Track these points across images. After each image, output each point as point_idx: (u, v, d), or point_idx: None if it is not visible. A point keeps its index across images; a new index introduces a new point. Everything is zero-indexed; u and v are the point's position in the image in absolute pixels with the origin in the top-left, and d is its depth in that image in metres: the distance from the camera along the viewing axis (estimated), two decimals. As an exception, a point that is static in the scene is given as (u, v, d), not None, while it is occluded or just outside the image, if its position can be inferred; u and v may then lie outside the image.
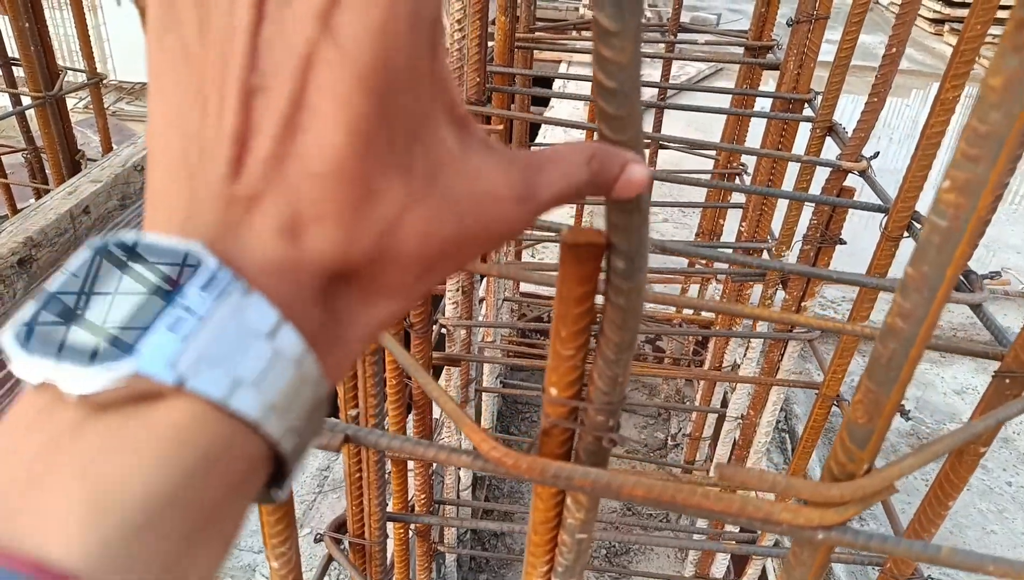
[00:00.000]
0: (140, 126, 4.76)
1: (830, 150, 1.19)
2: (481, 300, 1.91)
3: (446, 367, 1.39)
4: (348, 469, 0.71)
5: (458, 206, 0.21)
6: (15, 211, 2.59)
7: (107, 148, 2.40)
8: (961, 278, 0.76)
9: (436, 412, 1.68)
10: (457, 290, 1.27)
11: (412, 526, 1.21)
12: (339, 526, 0.86)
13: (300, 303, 0.19)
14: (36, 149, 2.38)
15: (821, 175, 1.20)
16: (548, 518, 0.50)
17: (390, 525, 0.97)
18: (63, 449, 0.16)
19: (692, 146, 1.98)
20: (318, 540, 0.84)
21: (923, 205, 0.60)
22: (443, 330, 1.34)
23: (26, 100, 2.12)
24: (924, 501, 0.73)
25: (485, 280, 1.87)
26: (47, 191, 2.29)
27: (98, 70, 2.28)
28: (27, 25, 2.02)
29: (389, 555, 1.13)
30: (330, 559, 0.83)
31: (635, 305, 0.42)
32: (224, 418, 0.17)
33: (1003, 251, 3.94)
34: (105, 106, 2.46)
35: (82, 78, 2.30)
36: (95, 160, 2.47)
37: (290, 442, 0.19)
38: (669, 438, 2.45)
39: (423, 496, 1.14)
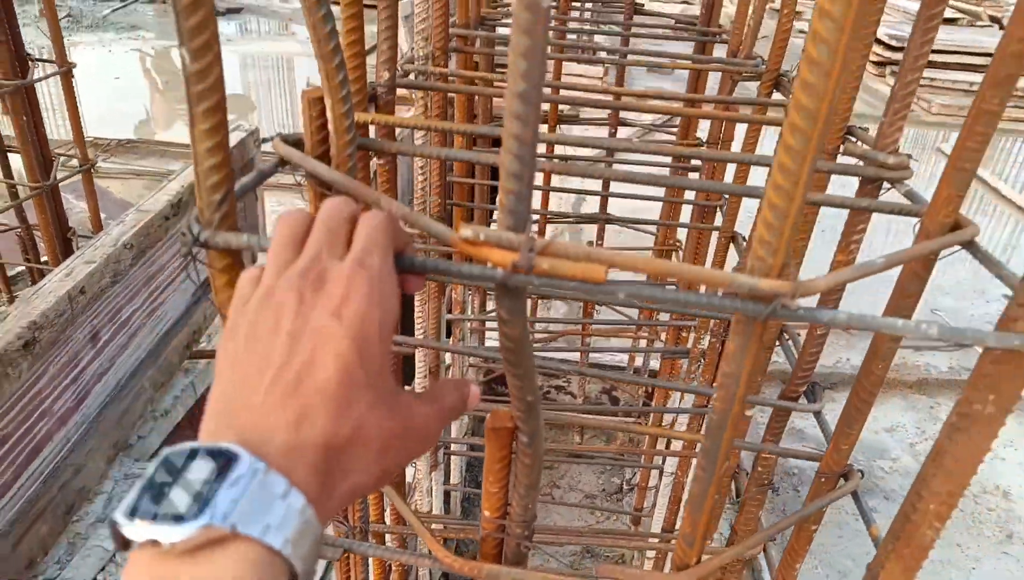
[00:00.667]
0: (114, 183, 4.90)
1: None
2: (448, 367, 2.11)
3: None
4: (339, 566, 0.90)
5: (400, 415, 0.41)
6: (7, 283, 2.75)
7: (97, 227, 2.57)
8: (805, 393, 0.99)
9: (409, 476, 1.88)
10: (424, 371, 1.48)
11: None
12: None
13: (303, 472, 0.34)
14: (28, 227, 2.55)
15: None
16: (488, 598, 0.71)
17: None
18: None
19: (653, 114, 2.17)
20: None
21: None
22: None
23: (23, 189, 2.29)
24: (780, 565, 0.94)
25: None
26: (39, 267, 2.45)
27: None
28: (25, 119, 2.20)
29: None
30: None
31: (536, 463, 0.64)
32: (263, 549, 0.31)
33: (934, 293, 4.26)
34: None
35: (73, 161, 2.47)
36: (85, 236, 2.64)
37: (301, 564, 0.32)
38: (624, 483, 2.67)
39: (400, 571, 1.33)
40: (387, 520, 1.16)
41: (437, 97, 1.20)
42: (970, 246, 0.65)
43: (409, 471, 1.81)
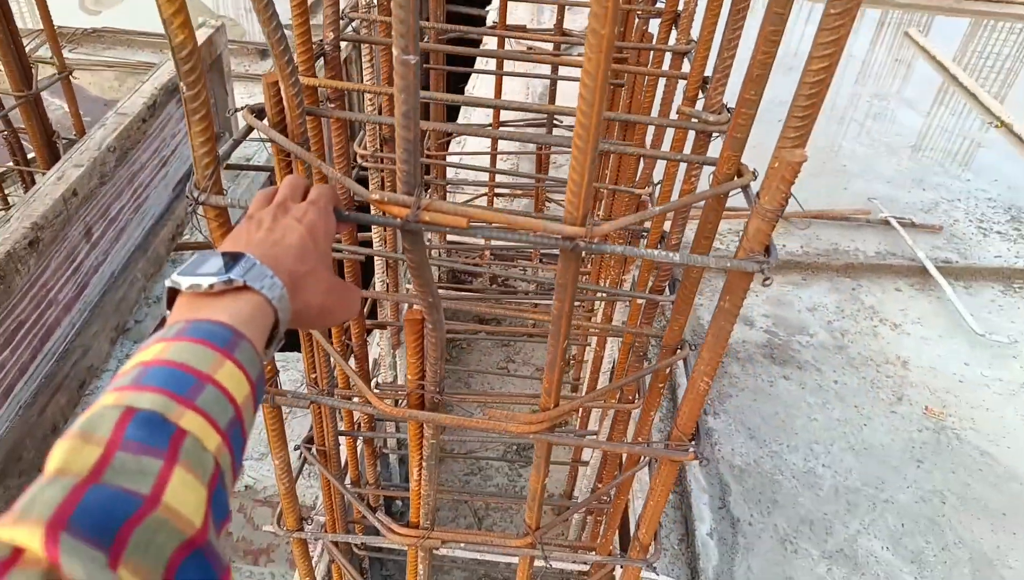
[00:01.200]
0: (84, 75, 4.92)
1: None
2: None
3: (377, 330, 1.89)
4: (313, 406, 1.21)
5: (335, 279, 0.71)
6: (-3, 182, 2.93)
7: (79, 128, 2.74)
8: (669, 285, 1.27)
9: (374, 353, 2.19)
10: (384, 270, 1.76)
11: (359, 438, 1.74)
12: (308, 439, 1.39)
13: (280, 276, 0.63)
14: (14, 130, 2.72)
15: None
16: (416, 434, 1.03)
17: (343, 438, 1.50)
18: (209, 304, 0.54)
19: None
20: (296, 449, 1.36)
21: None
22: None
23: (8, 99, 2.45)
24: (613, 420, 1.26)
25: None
26: (28, 170, 2.65)
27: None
28: (1, 33, 2.34)
29: (344, 458, 1.66)
30: (304, 460, 1.36)
31: (439, 342, 0.93)
32: (262, 298, 0.56)
33: (875, 181, 4.54)
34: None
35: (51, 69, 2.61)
36: (68, 138, 2.81)
37: (282, 315, 0.59)
38: (570, 358, 3.03)
39: (367, 418, 1.67)
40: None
41: (384, 51, 1.41)
42: (745, 190, 0.91)
43: (374, 350, 2.12)
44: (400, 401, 2.42)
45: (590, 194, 0.73)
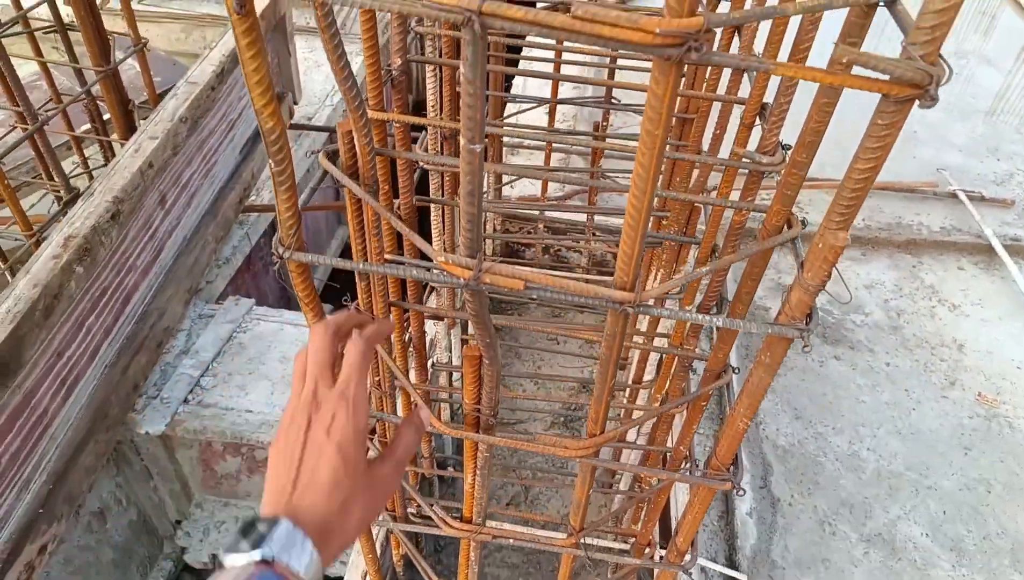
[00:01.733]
0: (151, 27, 5.03)
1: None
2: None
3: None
4: (375, 397, 1.31)
5: (369, 486, 0.75)
6: (80, 150, 3.10)
7: (153, 97, 2.86)
8: None
9: (429, 332, 2.29)
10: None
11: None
12: (371, 430, 1.50)
13: (311, 532, 0.60)
14: (94, 99, 2.85)
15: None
16: (471, 449, 1.11)
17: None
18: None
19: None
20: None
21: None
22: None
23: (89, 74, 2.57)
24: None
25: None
26: (106, 140, 2.78)
27: None
28: (83, 10, 2.44)
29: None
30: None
31: (494, 374, 1.00)
32: (291, 573, 0.57)
33: (945, 149, 4.37)
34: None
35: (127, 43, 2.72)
36: (143, 104, 2.94)
37: (313, 573, 0.59)
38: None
39: (423, 393, 1.77)
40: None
41: (448, 73, 1.44)
42: (793, 242, 0.94)
43: (430, 329, 2.21)
44: (454, 377, 2.53)
45: (640, 263, 0.78)
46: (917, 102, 0.60)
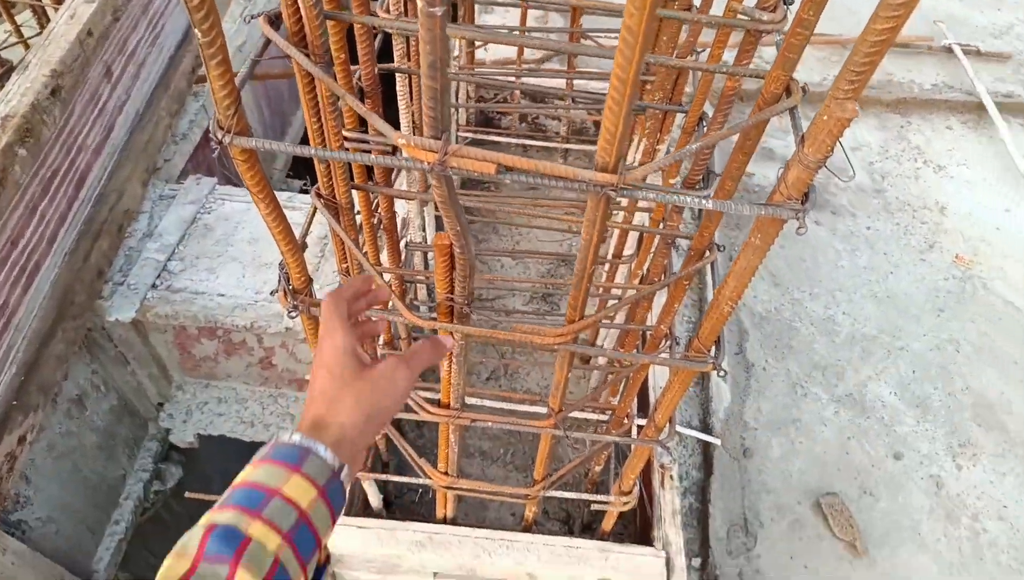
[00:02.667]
0: None
1: None
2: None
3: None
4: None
5: (367, 382, 0.76)
6: (7, 9, 2.82)
7: (83, -45, 2.57)
8: None
9: (401, 210, 2.20)
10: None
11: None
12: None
13: (336, 447, 0.71)
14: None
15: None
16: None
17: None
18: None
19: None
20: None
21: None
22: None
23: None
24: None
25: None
26: (39, 3, 2.53)
27: None
28: None
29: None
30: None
31: (466, 264, 0.94)
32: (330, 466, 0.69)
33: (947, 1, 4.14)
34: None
35: None
36: (73, -36, 2.65)
37: (346, 477, 0.70)
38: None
39: (397, 279, 1.71)
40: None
41: None
42: (792, 112, 0.86)
43: (401, 207, 2.13)
44: (429, 256, 2.47)
45: (624, 141, 0.71)
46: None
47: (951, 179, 3.25)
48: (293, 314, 1.05)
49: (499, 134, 2.81)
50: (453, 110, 2.41)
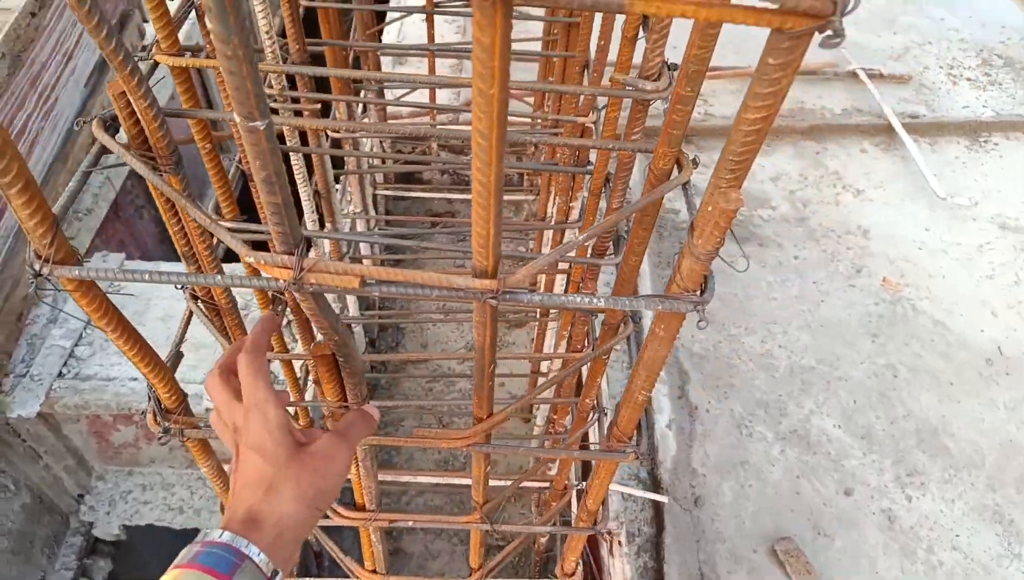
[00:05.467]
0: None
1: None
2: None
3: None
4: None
5: (307, 464, 0.66)
6: None
7: (-37, 32, 2.43)
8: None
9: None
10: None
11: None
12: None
13: (272, 548, 0.63)
14: None
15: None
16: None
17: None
18: None
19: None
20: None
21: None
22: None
23: None
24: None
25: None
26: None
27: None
28: None
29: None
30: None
31: (355, 368, 0.85)
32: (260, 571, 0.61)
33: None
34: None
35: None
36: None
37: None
38: (528, 251, 2.96)
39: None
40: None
41: None
42: (685, 187, 0.80)
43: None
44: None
45: (499, 244, 0.63)
46: (817, 36, 0.46)
47: (871, 202, 3.31)
48: (164, 440, 0.94)
49: (421, 189, 2.74)
50: (368, 172, 2.33)
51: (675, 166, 0.83)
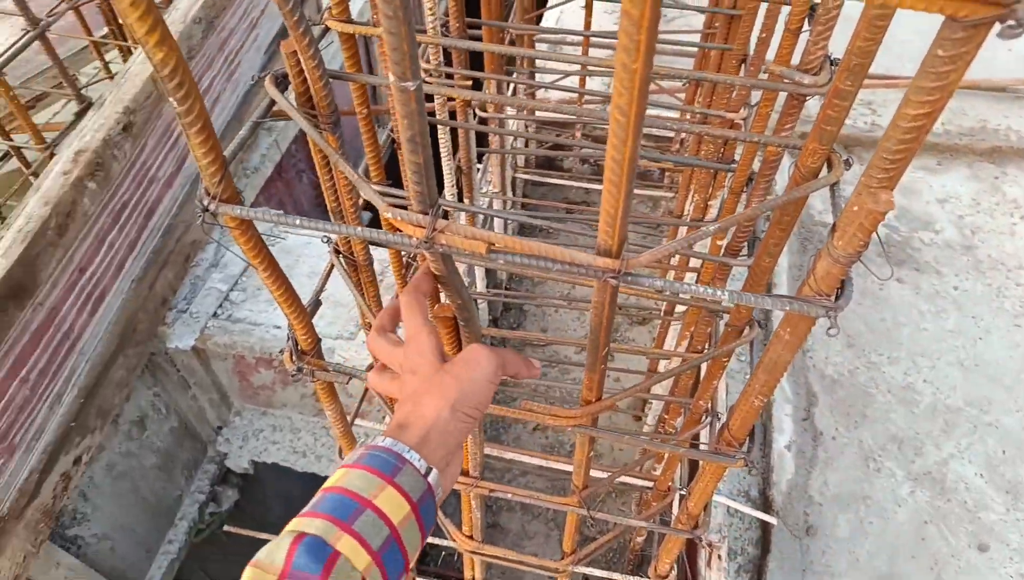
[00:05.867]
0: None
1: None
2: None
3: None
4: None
5: (450, 375, 0.71)
6: (98, 48, 2.98)
7: (168, -2, 2.70)
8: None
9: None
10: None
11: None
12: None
13: (420, 445, 0.67)
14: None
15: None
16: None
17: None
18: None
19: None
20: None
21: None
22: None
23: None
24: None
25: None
26: (124, 44, 2.66)
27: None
28: None
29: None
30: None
31: (474, 333, 0.88)
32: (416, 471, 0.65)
33: None
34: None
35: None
36: (161, 7, 2.78)
37: (436, 485, 0.67)
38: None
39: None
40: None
41: None
42: (833, 188, 0.76)
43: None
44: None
45: (625, 224, 0.64)
46: (997, 27, 0.42)
47: (1054, 236, 2.98)
48: (296, 377, 1.01)
49: (560, 177, 2.75)
50: (510, 153, 2.38)
51: (825, 165, 0.79)
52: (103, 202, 2.23)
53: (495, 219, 2.33)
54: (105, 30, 2.94)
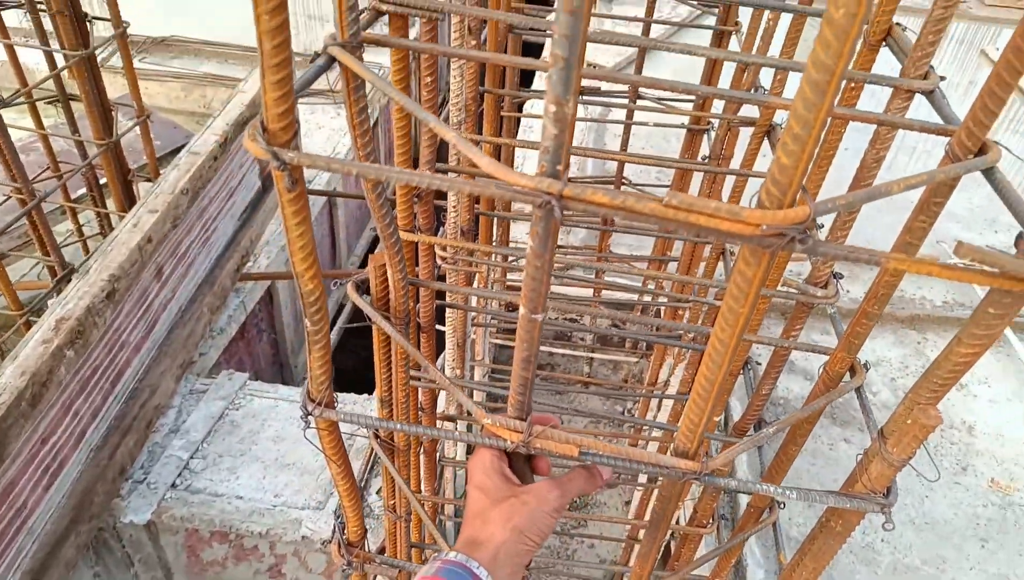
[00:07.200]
0: (152, 84, 5.02)
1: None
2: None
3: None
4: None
5: (518, 499, 0.76)
6: (73, 212, 3.02)
7: (154, 170, 2.81)
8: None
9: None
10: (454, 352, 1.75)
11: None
12: (380, 549, 1.40)
13: (491, 565, 0.72)
14: (93, 168, 2.79)
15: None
16: None
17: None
18: None
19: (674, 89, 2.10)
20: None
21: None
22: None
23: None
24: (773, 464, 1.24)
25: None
26: (104, 210, 2.71)
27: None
28: (89, 83, 2.38)
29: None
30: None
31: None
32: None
33: (946, 220, 4.37)
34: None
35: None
36: (142, 176, 2.88)
37: None
38: (626, 411, 3.01)
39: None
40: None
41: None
42: (988, 172, 0.65)
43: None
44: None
45: (705, 431, 0.72)
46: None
47: (975, 398, 3.24)
48: (348, 571, 1.01)
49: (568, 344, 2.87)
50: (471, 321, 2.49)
51: (848, 372, 0.91)
52: (76, 369, 2.19)
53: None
54: (82, 191, 3.00)
